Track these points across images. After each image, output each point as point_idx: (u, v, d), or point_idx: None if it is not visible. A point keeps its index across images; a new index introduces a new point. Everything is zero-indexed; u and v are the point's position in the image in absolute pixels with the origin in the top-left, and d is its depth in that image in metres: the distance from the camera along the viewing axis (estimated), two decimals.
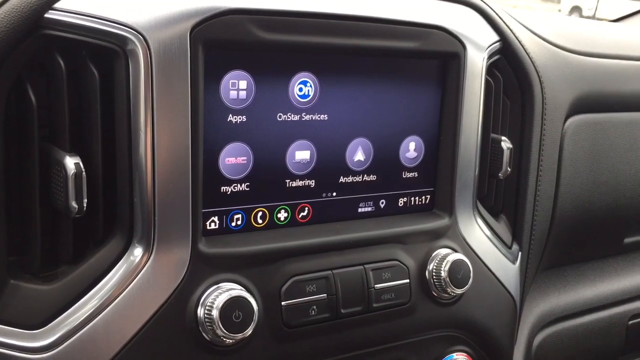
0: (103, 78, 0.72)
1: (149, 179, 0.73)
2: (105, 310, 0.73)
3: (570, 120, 1.16)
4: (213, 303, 0.76)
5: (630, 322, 1.45)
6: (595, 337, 1.40)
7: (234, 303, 0.76)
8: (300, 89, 0.83)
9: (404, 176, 0.95)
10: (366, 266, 0.87)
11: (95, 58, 0.72)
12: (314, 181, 0.87)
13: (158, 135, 0.73)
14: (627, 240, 1.44)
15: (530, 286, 1.22)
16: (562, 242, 1.23)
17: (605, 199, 1.27)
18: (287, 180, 0.85)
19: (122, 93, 0.72)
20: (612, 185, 1.27)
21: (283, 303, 0.81)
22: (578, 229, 1.25)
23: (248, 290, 0.79)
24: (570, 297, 1.37)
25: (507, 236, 1.09)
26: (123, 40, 0.71)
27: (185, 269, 0.77)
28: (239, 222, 0.84)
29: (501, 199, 1.09)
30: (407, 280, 0.91)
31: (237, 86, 0.79)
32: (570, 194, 1.19)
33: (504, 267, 1.05)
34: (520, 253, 1.10)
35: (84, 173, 0.71)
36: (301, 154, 0.85)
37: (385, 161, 0.92)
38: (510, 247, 1.09)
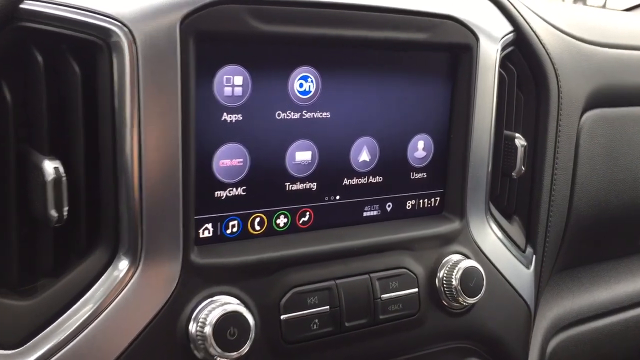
0: (85, 74, 0.67)
1: (136, 184, 0.68)
2: (89, 327, 0.67)
3: (586, 115, 1.12)
4: (206, 318, 0.71)
5: None
6: (611, 341, 1.36)
7: (228, 319, 0.71)
8: (301, 85, 0.79)
9: (412, 177, 0.91)
10: (372, 275, 0.83)
11: (76, 52, 0.67)
12: (315, 184, 0.83)
13: (145, 136, 0.67)
14: None
15: (544, 290, 1.18)
16: (576, 243, 1.19)
17: (622, 198, 1.23)
18: (287, 183, 0.81)
19: (105, 90, 0.67)
20: (630, 184, 1.23)
21: (282, 317, 0.77)
22: (593, 229, 1.21)
23: (244, 304, 0.74)
24: (585, 299, 1.33)
25: (520, 239, 1.05)
26: (106, 32, 0.65)
27: (176, 282, 0.71)
28: (234, 229, 0.79)
29: (514, 199, 1.04)
30: (416, 290, 0.87)
31: (232, 82, 0.74)
32: (586, 193, 1.15)
33: (518, 272, 1.00)
34: (534, 256, 1.06)
35: (64, 178, 0.65)
36: (302, 155, 0.81)
37: (392, 161, 0.88)
38: (524, 251, 1.04)
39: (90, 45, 0.66)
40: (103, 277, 0.69)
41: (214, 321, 0.70)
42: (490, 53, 0.90)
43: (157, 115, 0.68)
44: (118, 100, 0.67)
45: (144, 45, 0.66)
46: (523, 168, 0.98)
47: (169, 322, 0.71)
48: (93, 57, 0.67)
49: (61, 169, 0.65)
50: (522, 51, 0.99)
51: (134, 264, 0.69)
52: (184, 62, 0.68)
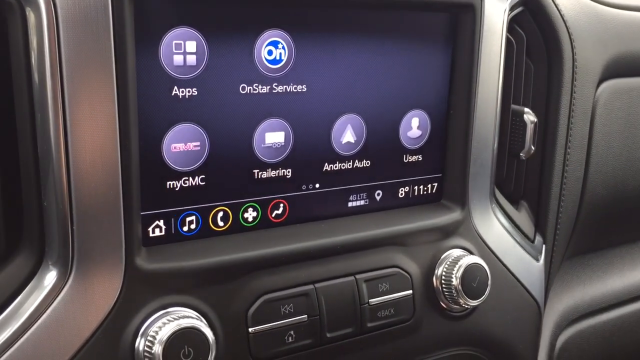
0: None
1: (63, 175, 0.58)
2: (9, 352, 0.57)
3: (603, 85, 1.07)
4: (156, 335, 0.63)
5: None
6: (624, 334, 1.31)
7: (183, 336, 0.62)
8: (270, 52, 0.69)
9: (405, 160, 0.84)
10: (358, 277, 0.76)
11: None
12: (290, 170, 0.75)
13: (72, 116, 0.57)
14: None
15: (553, 281, 1.13)
16: (589, 228, 1.14)
17: None
18: (256, 171, 0.72)
19: (19, 60, 0.57)
20: None
21: (251, 330, 0.69)
22: (608, 213, 1.16)
23: (204, 317, 0.66)
24: (596, 289, 1.29)
25: (529, 227, 0.99)
26: None
27: (118, 293, 0.62)
28: (192, 226, 0.70)
29: (522, 183, 0.99)
30: (410, 292, 0.80)
31: (183, 49, 0.64)
32: (601, 174, 1.10)
33: (527, 266, 0.94)
34: (544, 247, 1.00)
35: None
36: (273, 137, 0.72)
37: (381, 142, 0.81)
38: (533, 241, 0.98)
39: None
40: (26, 290, 0.60)
41: (164, 338, 0.62)
42: (496, 14, 0.82)
43: (86, 90, 0.58)
44: (37, 72, 0.56)
45: (65, 5, 0.55)
46: (533, 148, 0.92)
47: (110, 341, 0.62)
48: (3, 19, 0.56)
49: None
50: (532, 13, 0.92)
51: (63, 273, 0.60)
52: (118, 25, 0.58)
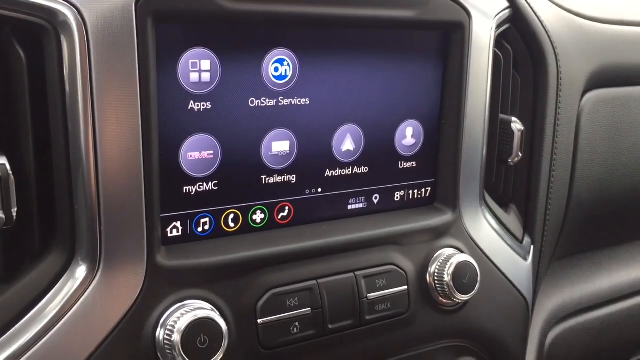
0: (32, 60, 0.61)
1: (92, 180, 0.62)
2: (45, 338, 0.62)
3: (587, 96, 1.08)
4: (174, 325, 0.66)
5: None
6: (611, 331, 1.32)
7: (199, 326, 0.66)
8: (276, 69, 0.73)
9: (400, 167, 0.86)
10: (357, 273, 0.79)
11: (20, 36, 0.61)
12: (295, 176, 0.78)
13: (101, 127, 0.62)
14: None
15: (542, 280, 1.14)
16: (576, 230, 1.15)
17: (625, 182, 1.18)
18: (263, 176, 0.76)
19: (54, 78, 0.61)
20: (633, 167, 1.18)
21: (259, 321, 0.72)
22: (594, 215, 1.17)
23: (217, 309, 0.70)
24: (585, 289, 1.30)
25: (517, 229, 1.00)
26: (52, 13, 0.59)
27: (140, 287, 0.66)
28: (206, 227, 0.73)
29: (511, 187, 1.01)
30: (405, 287, 0.82)
31: (198, 67, 0.68)
32: (587, 178, 1.11)
33: (515, 265, 0.96)
34: (532, 247, 1.02)
35: (11, 176, 0.60)
36: (279, 145, 0.75)
37: (378, 150, 0.84)
38: (521, 242, 1.00)
39: (36, 28, 0.60)
40: (59, 283, 0.64)
41: (182, 328, 0.66)
42: (484, 31, 0.85)
43: (113, 105, 0.62)
44: (69, 89, 0.61)
45: (95, 27, 0.60)
46: (520, 154, 0.94)
47: (134, 330, 0.66)
48: (40, 41, 0.61)
49: (8, 166, 0.60)
50: (518, 29, 0.94)
51: (92, 269, 0.64)
52: (142, 46, 0.62)
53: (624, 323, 1.33)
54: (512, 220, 1.00)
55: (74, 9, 0.59)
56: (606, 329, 1.30)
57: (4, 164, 0.60)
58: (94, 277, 0.64)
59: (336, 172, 0.80)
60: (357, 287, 0.78)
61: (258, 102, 0.72)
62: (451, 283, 0.83)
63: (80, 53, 0.60)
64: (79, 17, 0.59)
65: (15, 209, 0.60)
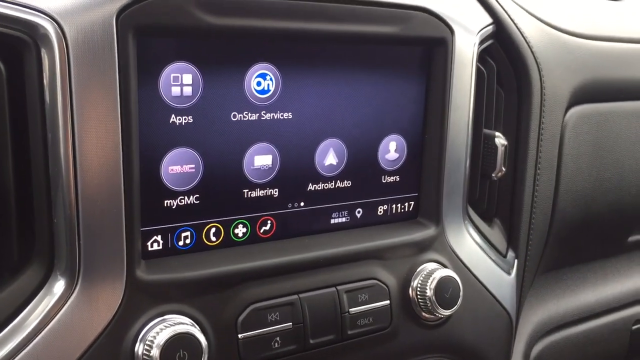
0: (11, 73, 0.61)
1: (72, 194, 0.62)
2: (21, 354, 0.62)
3: (571, 111, 1.09)
4: (153, 340, 0.66)
5: (634, 327, 1.37)
6: (596, 344, 1.32)
7: (178, 340, 0.66)
8: (259, 83, 0.73)
9: (383, 181, 0.86)
10: (339, 288, 0.79)
11: (0, 49, 0.60)
12: (277, 190, 0.78)
13: (80, 141, 0.62)
14: (631, 238, 1.35)
15: (527, 294, 1.14)
16: (561, 244, 1.16)
17: (609, 196, 1.19)
18: (245, 190, 0.76)
19: (34, 91, 0.61)
20: (616, 182, 1.19)
21: (240, 336, 0.72)
22: (579, 229, 1.17)
23: (198, 323, 0.69)
24: (570, 302, 1.30)
25: (501, 243, 1.00)
26: (32, 27, 0.59)
27: (120, 301, 0.66)
28: (187, 241, 0.73)
29: (494, 202, 1.01)
30: (387, 302, 0.82)
31: (180, 81, 0.68)
32: (571, 193, 1.11)
33: (498, 279, 0.96)
34: (516, 261, 1.02)
35: None
36: (261, 159, 0.75)
37: (361, 164, 0.84)
38: (505, 256, 1.00)
39: (16, 41, 0.60)
40: (37, 298, 0.63)
41: (162, 343, 0.65)
42: (466, 47, 0.86)
43: (93, 118, 0.62)
44: (49, 102, 0.61)
45: (75, 41, 0.60)
46: (504, 169, 0.94)
47: (113, 345, 0.66)
48: (19, 54, 0.61)
49: None
50: (502, 45, 0.95)
51: (71, 283, 0.64)
52: (122, 60, 0.62)
53: (609, 337, 1.33)
54: (496, 234, 1.00)
55: (54, 22, 0.59)
56: (591, 342, 1.30)
57: None
58: (73, 292, 0.63)
59: (319, 186, 0.80)
60: (339, 302, 0.78)
61: (240, 117, 0.72)
62: (433, 298, 0.83)
63: (60, 66, 0.60)
64: (59, 31, 0.59)
65: None
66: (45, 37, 0.59)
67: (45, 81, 0.60)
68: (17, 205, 0.63)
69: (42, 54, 0.60)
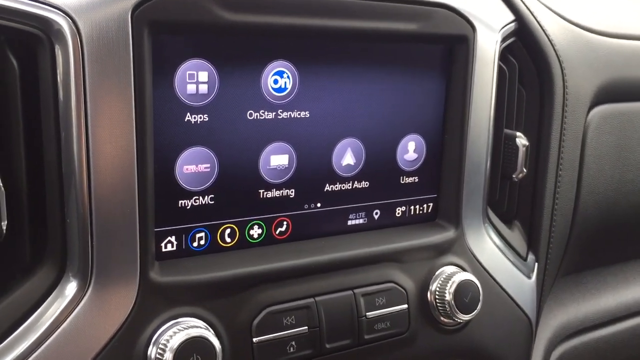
0: (25, 70, 0.60)
1: (84, 194, 0.61)
2: (34, 354, 0.61)
3: (593, 111, 1.07)
4: (167, 343, 0.65)
5: None
6: (617, 350, 1.30)
7: (192, 344, 0.65)
8: (276, 81, 0.72)
9: (402, 182, 0.84)
10: (356, 291, 0.77)
11: (13, 45, 0.60)
12: (293, 190, 0.76)
13: (94, 139, 0.60)
14: None
15: (547, 298, 1.12)
16: (582, 247, 1.13)
17: (631, 199, 1.16)
18: (261, 191, 0.74)
19: (47, 88, 0.60)
20: (639, 184, 1.16)
21: (255, 340, 0.71)
22: (600, 232, 1.15)
23: (212, 327, 0.68)
24: (590, 306, 1.28)
25: (521, 246, 0.99)
26: (46, 22, 0.58)
27: (132, 304, 0.65)
28: (202, 242, 0.72)
29: (515, 203, 0.99)
30: (405, 306, 0.81)
31: (196, 78, 0.67)
32: (593, 195, 1.09)
33: (519, 283, 0.94)
34: (536, 264, 1.00)
35: (2, 189, 0.59)
36: (278, 159, 0.74)
37: (379, 165, 0.82)
38: (525, 259, 0.98)
39: (30, 37, 0.59)
40: (49, 299, 0.62)
41: (175, 346, 0.64)
42: (488, 45, 0.84)
43: (107, 116, 0.61)
44: (62, 99, 0.60)
45: (90, 38, 0.59)
46: (525, 170, 0.92)
47: (125, 348, 0.65)
48: (33, 51, 0.60)
49: None
50: (524, 42, 0.93)
51: (83, 285, 0.63)
52: (137, 57, 0.61)
53: (630, 342, 1.31)
54: (516, 237, 0.99)
55: (68, 18, 0.58)
56: (612, 348, 1.28)
57: None
58: (85, 293, 0.62)
59: (336, 187, 0.79)
60: (356, 306, 0.76)
61: (257, 115, 0.71)
62: (452, 302, 0.81)
63: (74, 63, 0.58)
64: (74, 27, 0.58)
65: (5, 222, 0.59)
66: (60, 33, 0.58)
67: (59, 78, 0.59)
68: (29, 205, 0.62)
69: (56, 50, 0.59)
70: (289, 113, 0.73)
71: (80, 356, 0.62)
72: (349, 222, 0.81)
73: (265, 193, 0.74)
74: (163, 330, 0.66)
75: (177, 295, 0.67)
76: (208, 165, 0.70)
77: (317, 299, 0.74)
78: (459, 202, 0.85)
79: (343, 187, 0.79)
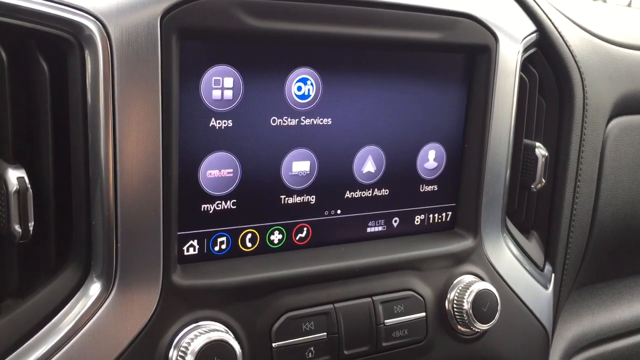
0: (54, 73, 0.61)
1: (110, 196, 0.62)
2: (58, 354, 0.61)
3: (613, 122, 1.07)
4: (188, 346, 0.65)
5: None
6: None
7: (212, 348, 0.65)
8: (299, 88, 0.72)
9: (421, 190, 0.85)
10: (374, 298, 0.77)
11: (45, 49, 0.60)
12: (314, 197, 0.76)
13: (121, 142, 0.61)
14: None
15: (562, 309, 1.12)
16: (598, 259, 1.13)
17: None
18: (283, 196, 0.75)
19: (76, 92, 0.61)
20: None
21: (274, 345, 0.71)
22: (617, 244, 1.15)
23: (232, 331, 0.69)
24: (605, 318, 1.27)
25: (539, 256, 0.99)
26: (78, 27, 0.59)
27: (155, 306, 0.65)
28: (223, 246, 0.72)
29: (533, 213, 0.99)
30: (423, 314, 0.81)
31: (221, 84, 0.67)
32: (611, 206, 1.09)
33: (536, 293, 0.94)
34: (553, 275, 1.00)
35: (29, 190, 0.59)
36: (299, 165, 0.74)
37: (399, 173, 0.82)
38: (542, 270, 0.98)
39: (61, 41, 0.60)
40: (73, 299, 0.63)
41: (196, 350, 0.65)
42: (510, 55, 0.84)
43: (134, 120, 0.61)
44: (91, 102, 0.60)
45: (119, 42, 0.59)
46: (544, 180, 0.93)
47: (147, 350, 0.65)
48: (63, 54, 0.61)
49: (26, 180, 0.59)
50: (545, 53, 0.93)
51: (107, 286, 0.63)
52: (165, 62, 0.62)
53: None
54: (534, 247, 0.98)
55: (98, 23, 0.59)
56: None
57: (23, 177, 0.59)
58: (109, 295, 0.63)
59: (356, 194, 0.79)
60: (374, 313, 0.76)
61: (280, 121, 0.72)
62: (471, 311, 0.81)
63: (104, 67, 0.59)
64: (104, 32, 0.59)
65: (32, 223, 0.60)
66: (90, 37, 0.59)
67: (88, 82, 0.60)
68: (56, 206, 0.63)
69: (85, 54, 0.59)
70: (311, 120, 0.73)
71: (104, 356, 0.63)
72: (368, 230, 0.81)
73: (286, 199, 0.74)
74: (184, 334, 0.66)
75: (198, 299, 0.67)
76: (231, 170, 0.70)
77: (336, 305, 0.74)
78: (478, 211, 0.85)
79: (363, 194, 0.80)
